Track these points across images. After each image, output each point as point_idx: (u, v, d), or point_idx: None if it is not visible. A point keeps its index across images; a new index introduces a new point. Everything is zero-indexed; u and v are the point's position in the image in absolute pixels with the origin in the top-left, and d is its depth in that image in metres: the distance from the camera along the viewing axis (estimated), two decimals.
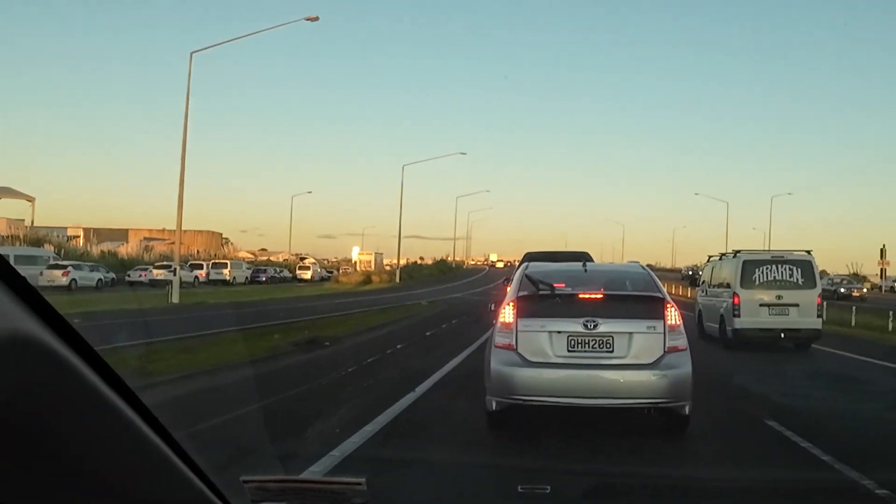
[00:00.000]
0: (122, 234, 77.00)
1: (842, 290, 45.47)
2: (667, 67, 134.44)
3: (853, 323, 22.84)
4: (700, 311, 17.53)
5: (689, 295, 36.19)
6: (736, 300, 15.02)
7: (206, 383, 8.87)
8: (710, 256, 18.88)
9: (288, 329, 16.59)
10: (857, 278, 55.65)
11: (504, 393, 6.45)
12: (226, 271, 52.22)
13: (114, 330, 13.36)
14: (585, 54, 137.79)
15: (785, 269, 15.25)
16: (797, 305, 14.92)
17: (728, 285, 15.67)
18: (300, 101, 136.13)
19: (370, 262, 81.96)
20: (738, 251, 16.25)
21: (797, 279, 15.15)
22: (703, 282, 18.24)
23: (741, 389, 9.86)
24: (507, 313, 6.67)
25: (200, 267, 51.27)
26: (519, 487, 4.74)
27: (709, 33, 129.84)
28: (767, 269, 15.27)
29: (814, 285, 15.32)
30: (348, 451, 5.74)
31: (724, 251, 17.23)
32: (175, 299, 28.17)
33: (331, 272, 75.03)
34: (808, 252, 15.82)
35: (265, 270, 60.18)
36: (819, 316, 15.25)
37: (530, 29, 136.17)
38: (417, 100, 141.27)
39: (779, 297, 15.00)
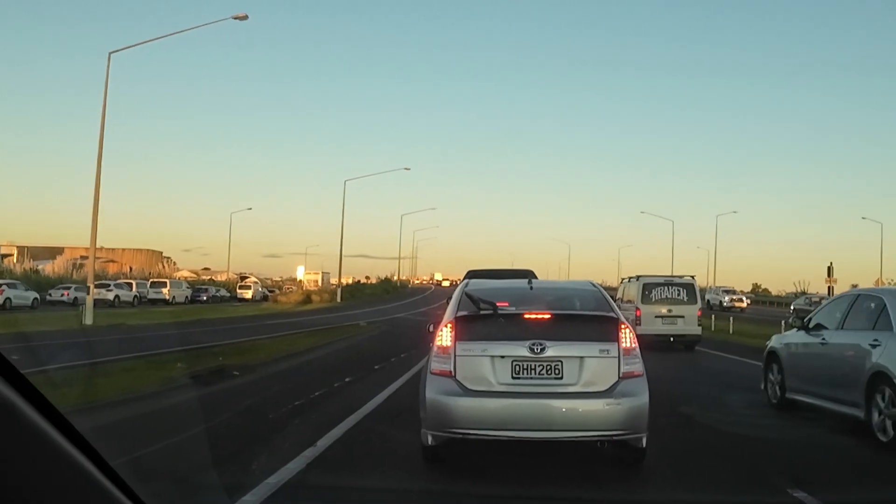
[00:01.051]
0: (57, 252, 74.18)
1: None
2: (611, 85, 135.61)
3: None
4: None
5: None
6: (637, 313, 19.32)
7: None
8: (622, 279, 23.13)
9: (199, 355, 14.80)
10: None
11: (441, 426, 5.85)
12: (165, 290, 51.06)
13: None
14: (530, 73, 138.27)
15: (674, 289, 20.07)
16: (683, 317, 19.61)
17: (632, 301, 19.84)
18: (241, 116, 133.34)
19: (317, 281, 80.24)
20: (640, 276, 20.52)
21: (683, 297, 19.94)
22: (618, 299, 21.34)
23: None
24: (444, 336, 6.07)
25: (129, 286, 49.39)
26: None
27: (651, 52, 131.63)
28: (661, 289, 19.87)
29: (695, 301, 20.19)
30: None
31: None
32: (88, 321, 25.86)
33: (272, 291, 72.97)
34: (693, 277, 20.91)
35: (206, 290, 59.18)
36: (699, 325, 20.20)
37: (473, 47, 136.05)
38: (361, 117, 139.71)
39: (669, 310, 19.61)
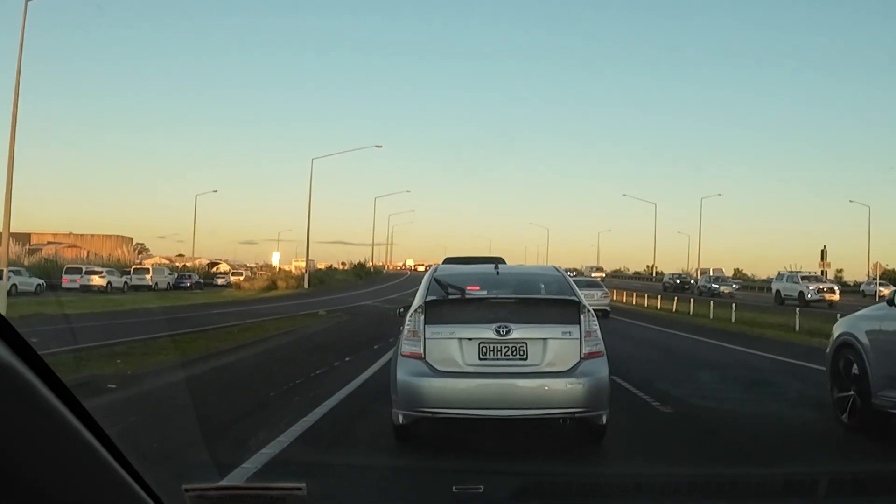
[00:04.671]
0: (23, 239, 71.32)
1: None
2: (592, 65, 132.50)
3: None
4: None
5: (674, 309, 32.86)
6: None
7: None
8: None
9: (91, 357, 11.58)
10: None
11: (411, 406, 6.05)
12: (148, 276, 51.33)
13: None
14: (505, 51, 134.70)
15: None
16: None
17: None
18: (214, 101, 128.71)
19: (303, 268, 77.42)
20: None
21: None
22: None
23: None
24: (414, 320, 6.24)
25: (119, 273, 49.45)
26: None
27: (632, 30, 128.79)
28: None
29: None
30: None
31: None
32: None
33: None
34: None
35: (190, 276, 59.81)
36: None
37: (449, 22, 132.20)
38: (332, 99, 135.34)
39: None
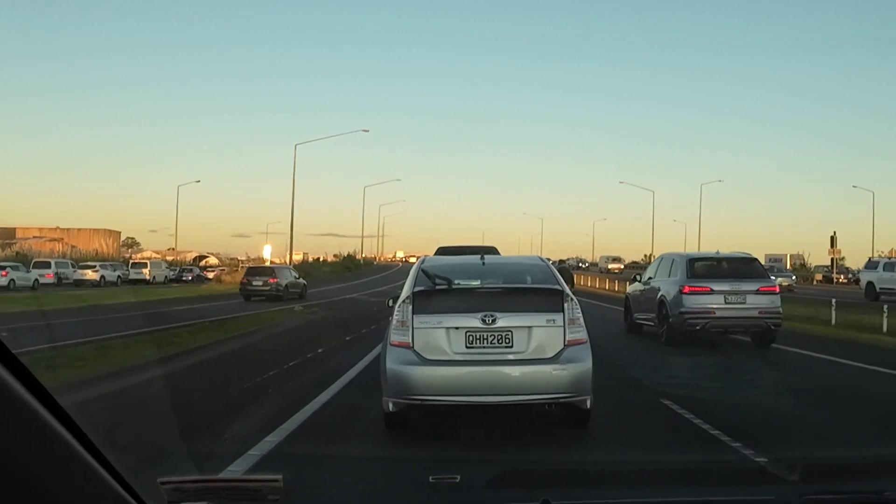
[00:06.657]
0: (8, 234, 72.25)
1: None
2: (584, 52, 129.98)
3: None
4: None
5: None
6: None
7: None
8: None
9: None
10: None
11: (401, 393, 6.20)
12: (146, 271, 52.17)
13: None
14: (499, 37, 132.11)
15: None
16: None
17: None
18: (202, 92, 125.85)
19: (299, 262, 76.09)
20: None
21: None
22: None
23: None
24: (402, 310, 6.40)
25: (113, 267, 49.77)
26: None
27: (627, 14, 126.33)
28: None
29: None
30: None
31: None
32: None
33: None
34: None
35: (191, 270, 61.69)
36: None
37: (438, 7, 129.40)
38: (322, 90, 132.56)
39: None
